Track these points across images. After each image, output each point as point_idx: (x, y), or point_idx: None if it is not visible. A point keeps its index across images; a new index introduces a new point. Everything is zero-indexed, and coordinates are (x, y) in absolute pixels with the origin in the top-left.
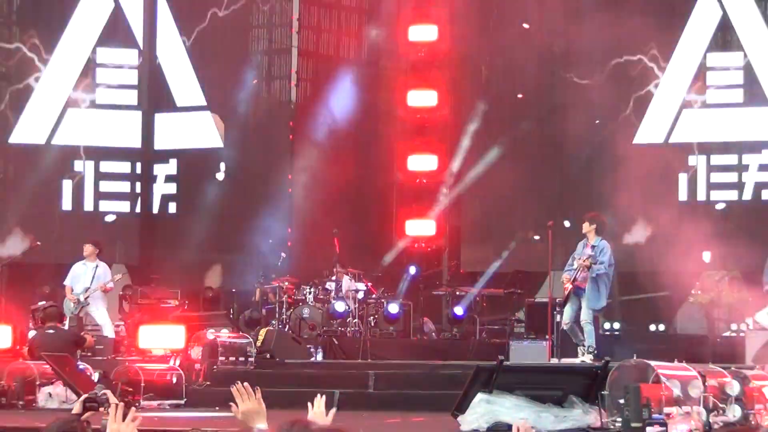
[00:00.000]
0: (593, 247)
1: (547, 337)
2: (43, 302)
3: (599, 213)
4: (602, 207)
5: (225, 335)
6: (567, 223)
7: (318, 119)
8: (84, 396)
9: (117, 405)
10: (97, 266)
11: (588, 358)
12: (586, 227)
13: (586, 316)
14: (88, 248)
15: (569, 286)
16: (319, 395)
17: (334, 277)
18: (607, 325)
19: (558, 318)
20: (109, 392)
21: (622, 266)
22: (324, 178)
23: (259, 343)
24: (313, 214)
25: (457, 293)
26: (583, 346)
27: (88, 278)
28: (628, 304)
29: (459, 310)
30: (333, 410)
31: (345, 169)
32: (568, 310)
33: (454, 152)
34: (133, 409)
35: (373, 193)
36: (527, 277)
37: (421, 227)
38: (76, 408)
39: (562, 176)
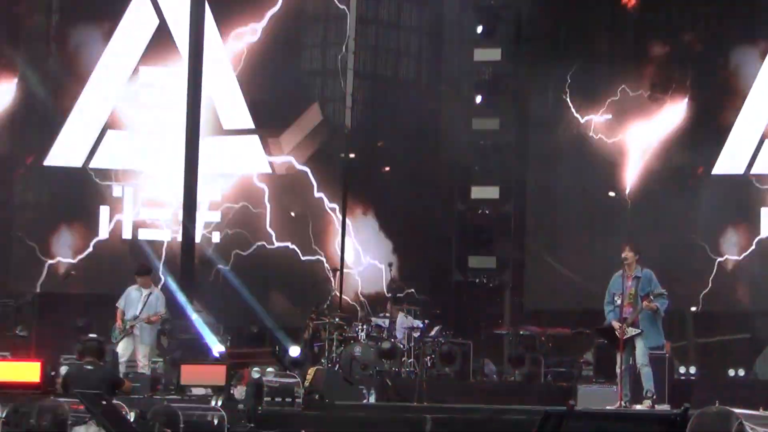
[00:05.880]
0: (637, 278)
1: (617, 380)
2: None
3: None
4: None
5: (270, 374)
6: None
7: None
8: None
9: None
10: (150, 293)
11: (647, 404)
12: (629, 255)
13: (644, 358)
14: (140, 279)
15: (631, 331)
16: None
17: (387, 314)
18: (682, 369)
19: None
20: None
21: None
22: (380, 207)
23: (307, 383)
24: (368, 245)
25: (521, 333)
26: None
27: (139, 306)
28: (704, 346)
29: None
30: None
31: (403, 199)
32: (620, 356)
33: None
34: None
35: (432, 224)
36: (598, 315)
37: (482, 261)
38: None
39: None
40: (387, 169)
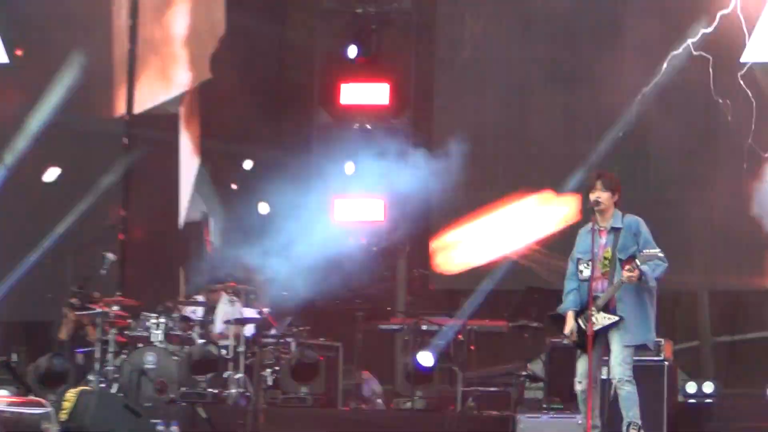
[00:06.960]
0: (614, 231)
1: (581, 404)
2: None
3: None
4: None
5: (3, 400)
6: None
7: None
8: None
9: None
10: None
11: None
12: (602, 196)
13: (622, 369)
14: None
15: (601, 318)
16: None
17: (201, 298)
18: (691, 388)
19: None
20: None
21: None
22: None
23: (64, 414)
24: (163, 186)
25: (424, 328)
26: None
27: None
28: (728, 350)
29: (426, 359)
30: None
31: (230, 107)
32: (583, 362)
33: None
34: None
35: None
36: (550, 298)
37: (360, 209)
38: None
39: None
40: None
